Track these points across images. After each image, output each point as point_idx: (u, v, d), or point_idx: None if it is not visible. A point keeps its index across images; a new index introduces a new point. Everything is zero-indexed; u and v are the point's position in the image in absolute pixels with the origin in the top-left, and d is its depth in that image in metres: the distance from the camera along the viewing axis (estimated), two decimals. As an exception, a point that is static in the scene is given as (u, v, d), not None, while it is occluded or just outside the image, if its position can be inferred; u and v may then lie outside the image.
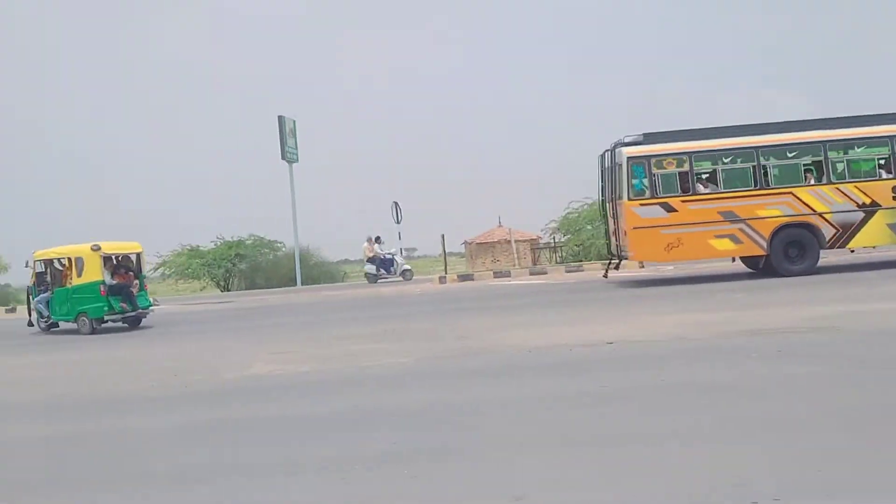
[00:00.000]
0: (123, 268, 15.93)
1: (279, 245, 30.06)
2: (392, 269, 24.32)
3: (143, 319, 15.77)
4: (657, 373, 6.65)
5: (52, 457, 5.59)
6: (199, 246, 29.85)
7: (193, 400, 7.26)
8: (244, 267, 29.29)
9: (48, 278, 16.30)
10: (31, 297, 16.73)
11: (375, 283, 23.78)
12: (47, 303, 16.10)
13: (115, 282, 15.43)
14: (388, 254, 24.62)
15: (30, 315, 16.70)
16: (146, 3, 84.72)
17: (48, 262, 16.32)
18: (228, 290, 28.59)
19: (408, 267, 24.88)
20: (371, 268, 24.34)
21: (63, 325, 15.95)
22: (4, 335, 16.69)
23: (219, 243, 29.71)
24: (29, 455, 5.71)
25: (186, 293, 30.01)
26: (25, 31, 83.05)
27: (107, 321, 15.27)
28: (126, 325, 15.52)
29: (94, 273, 15.08)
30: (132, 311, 15.39)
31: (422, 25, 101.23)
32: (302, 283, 26.56)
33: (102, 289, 15.01)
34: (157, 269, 30.07)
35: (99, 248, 15.21)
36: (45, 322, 16.20)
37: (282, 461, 4.81)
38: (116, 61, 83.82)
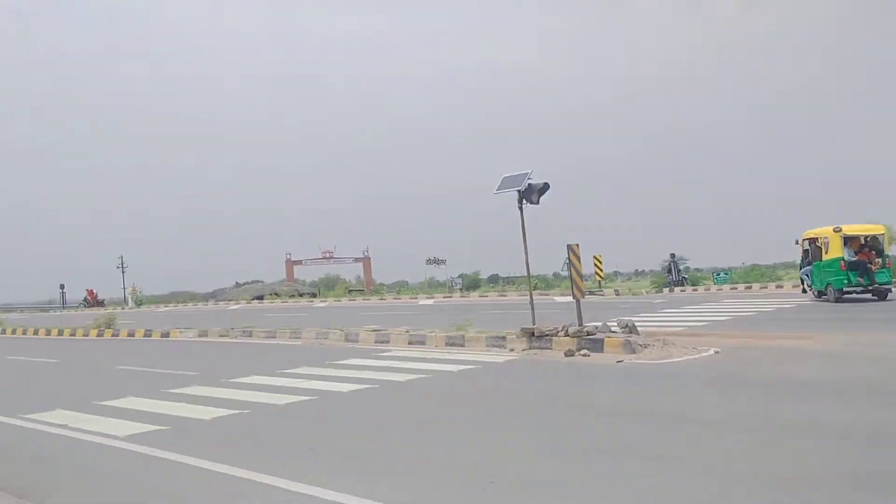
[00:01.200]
0: (868, 247, 18.28)
1: None
2: None
3: (889, 294, 18.01)
4: None
5: None
6: None
7: None
8: None
9: (809, 255, 20.11)
10: (801, 269, 21.41)
11: None
12: (808, 274, 20.06)
13: (854, 258, 17.81)
14: None
15: (802, 284, 21.39)
16: None
17: (811, 240, 20.06)
18: None
19: None
20: None
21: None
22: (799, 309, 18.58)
23: None
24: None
25: None
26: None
27: (848, 292, 17.84)
28: (875, 297, 17.87)
29: (836, 251, 17.95)
30: (868, 285, 17.75)
31: None
32: None
33: (842, 264, 17.75)
34: None
35: (840, 230, 18.00)
36: (812, 289, 19.92)
37: None
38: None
